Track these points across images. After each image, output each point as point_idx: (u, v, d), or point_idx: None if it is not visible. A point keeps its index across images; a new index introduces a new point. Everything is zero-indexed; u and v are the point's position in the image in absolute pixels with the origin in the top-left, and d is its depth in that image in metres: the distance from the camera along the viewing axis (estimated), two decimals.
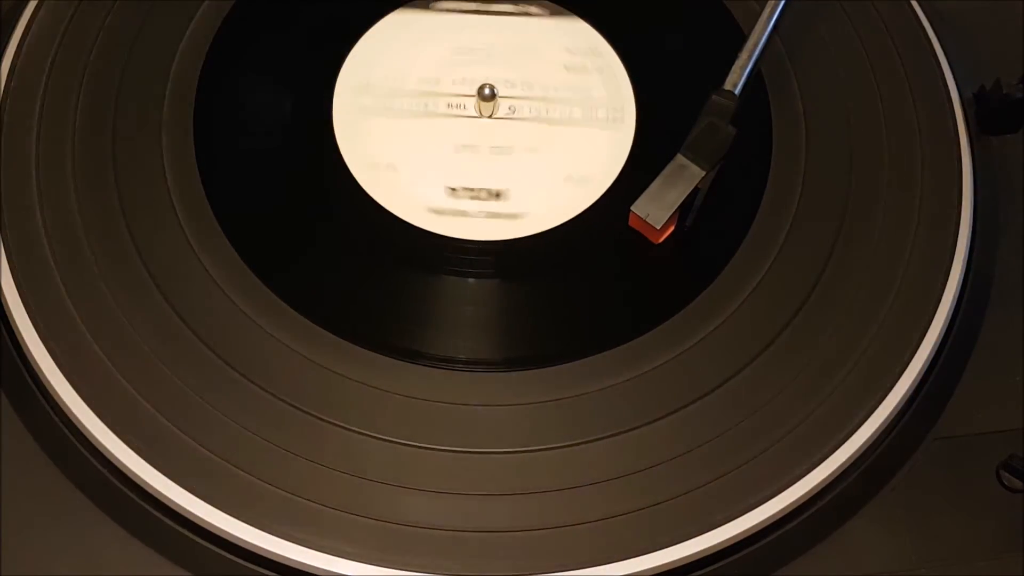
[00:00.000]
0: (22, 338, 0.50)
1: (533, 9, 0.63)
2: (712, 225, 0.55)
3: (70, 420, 0.49)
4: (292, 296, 0.52)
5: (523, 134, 0.59)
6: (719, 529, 0.47)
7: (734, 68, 0.55)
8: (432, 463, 0.48)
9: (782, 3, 0.57)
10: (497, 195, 0.57)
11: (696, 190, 0.53)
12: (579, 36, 0.62)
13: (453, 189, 0.56)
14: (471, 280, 0.54)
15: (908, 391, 0.50)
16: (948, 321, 0.52)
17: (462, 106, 0.60)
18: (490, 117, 0.59)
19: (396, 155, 0.58)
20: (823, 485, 0.48)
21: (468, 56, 0.61)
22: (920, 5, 0.62)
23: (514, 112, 0.60)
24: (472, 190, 0.56)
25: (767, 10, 0.57)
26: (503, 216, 0.56)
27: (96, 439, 0.48)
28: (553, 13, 0.63)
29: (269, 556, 0.46)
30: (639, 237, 0.54)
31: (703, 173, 0.52)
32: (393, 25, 0.62)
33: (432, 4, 0.62)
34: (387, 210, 0.56)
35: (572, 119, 0.60)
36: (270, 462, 0.48)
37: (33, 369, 0.50)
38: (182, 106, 0.57)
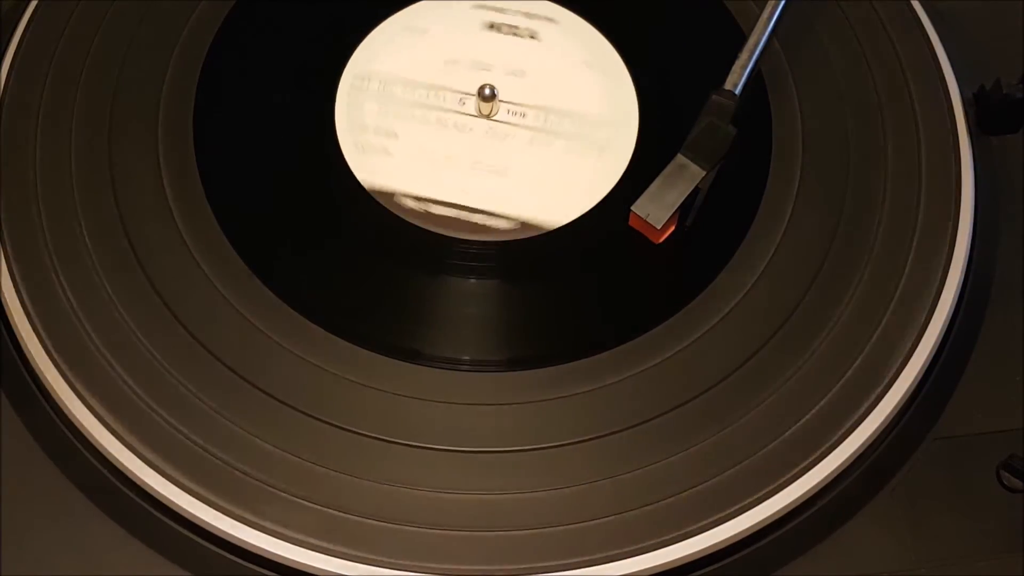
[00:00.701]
0: (22, 338, 0.50)
1: None
2: (712, 225, 0.55)
3: (70, 420, 0.49)
4: (292, 296, 0.52)
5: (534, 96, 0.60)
6: (719, 529, 0.47)
7: (734, 68, 0.55)
8: (432, 463, 0.48)
9: (782, 3, 0.57)
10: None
11: (696, 190, 0.53)
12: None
13: None
14: (472, 280, 0.54)
15: (908, 391, 0.50)
16: (948, 321, 0.52)
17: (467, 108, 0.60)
18: (498, 112, 0.59)
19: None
20: (823, 485, 0.48)
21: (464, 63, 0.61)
22: (920, 5, 0.62)
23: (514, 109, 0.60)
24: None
25: (767, 10, 0.57)
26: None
27: (96, 439, 0.48)
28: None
29: (269, 556, 0.46)
30: (639, 237, 0.54)
31: (703, 173, 0.52)
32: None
33: None
34: (388, 209, 0.56)
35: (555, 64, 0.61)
36: (269, 462, 0.48)
37: (33, 369, 0.50)
38: (182, 106, 0.57)
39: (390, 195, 0.56)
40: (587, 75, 0.61)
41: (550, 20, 0.62)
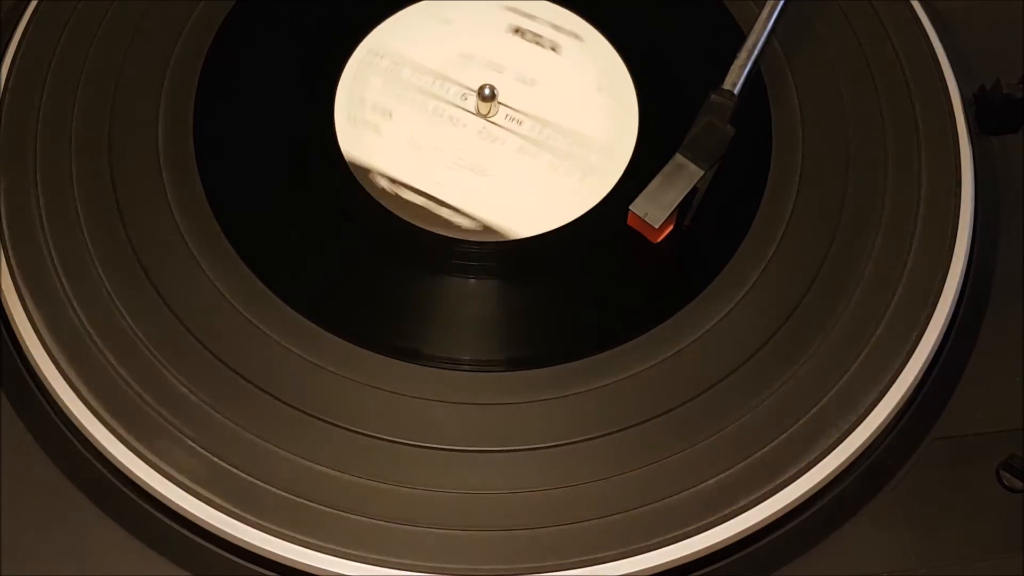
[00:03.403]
0: (22, 338, 0.50)
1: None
2: (711, 225, 0.55)
3: (70, 420, 0.49)
4: (292, 296, 0.52)
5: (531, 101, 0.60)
6: (719, 529, 0.47)
7: (733, 67, 0.55)
8: (432, 462, 0.48)
9: (781, 3, 0.57)
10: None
11: (694, 189, 0.53)
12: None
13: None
14: (472, 280, 0.54)
15: (908, 391, 0.50)
16: (948, 321, 0.52)
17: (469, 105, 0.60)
18: (496, 113, 0.59)
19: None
20: (823, 485, 0.48)
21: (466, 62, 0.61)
22: (920, 5, 0.62)
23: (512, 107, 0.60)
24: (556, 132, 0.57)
25: (766, 9, 0.57)
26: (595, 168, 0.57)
27: (96, 439, 0.48)
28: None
29: (269, 556, 0.46)
30: (638, 237, 0.54)
31: (701, 172, 0.52)
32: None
33: None
34: (388, 209, 0.56)
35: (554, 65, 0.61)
36: (270, 462, 0.48)
37: (33, 369, 0.50)
38: (182, 106, 0.57)
39: (366, 171, 0.56)
40: (596, 97, 0.60)
41: (575, 36, 0.62)
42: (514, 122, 0.59)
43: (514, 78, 0.60)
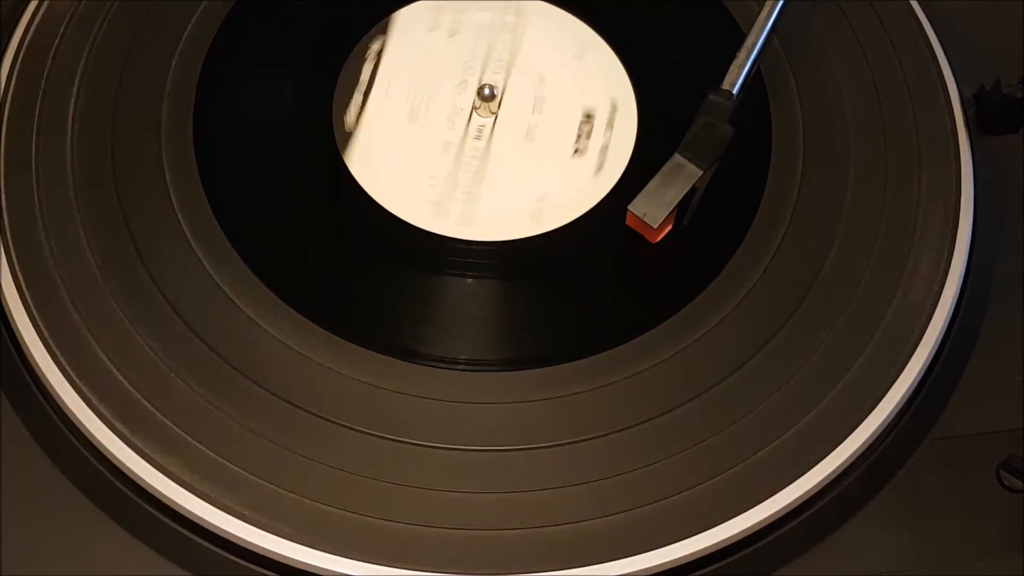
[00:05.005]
0: (22, 338, 0.50)
1: None
2: (710, 224, 0.55)
3: (70, 420, 0.49)
4: (292, 296, 0.52)
5: (533, 93, 0.60)
6: (719, 529, 0.47)
7: (732, 67, 0.55)
8: (431, 462, 0.48)
9: (780, 3, 0.57)
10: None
11: (693, 189, 0.53)
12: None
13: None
14: (471, 280, 0.54)
15: (908, 391, 0.50)
16: (948, 321, 0.52)
17: (474, 125, 0.59)
18: (498, 112, 0.59)
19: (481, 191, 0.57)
20: (823, 485, 0.48)
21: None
22: (920, 5, 0.62)
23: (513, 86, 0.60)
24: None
25: (766, 9, 0.57)
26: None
27: (96, 439, 0.48)
28: None
29: (269, 556, 0.46)
30: (637, 237, 0.54)
31: (700, 172, 0.52)
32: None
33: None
34: (387, 210, 0.56)
35: (553, 63, 0.61)
36: (270, 461, 0.48)
37: (33, 369, 0.50)
38: (182, 106, 0.57)
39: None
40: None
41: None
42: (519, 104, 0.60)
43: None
